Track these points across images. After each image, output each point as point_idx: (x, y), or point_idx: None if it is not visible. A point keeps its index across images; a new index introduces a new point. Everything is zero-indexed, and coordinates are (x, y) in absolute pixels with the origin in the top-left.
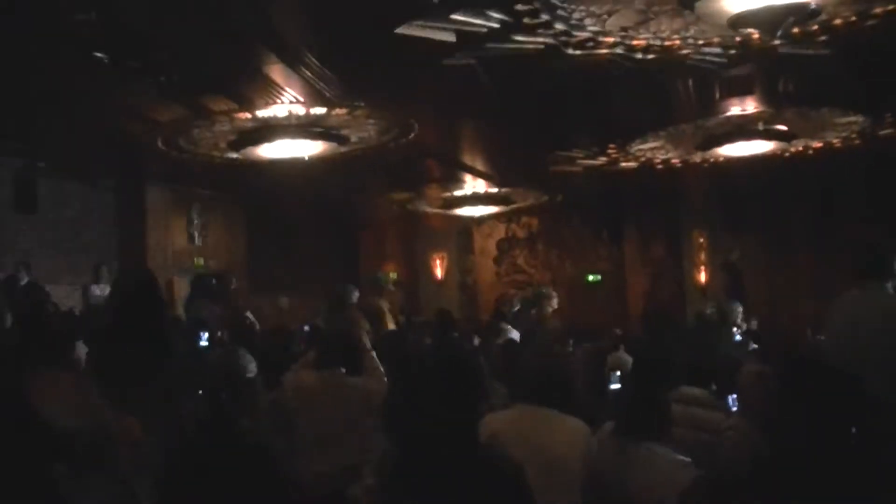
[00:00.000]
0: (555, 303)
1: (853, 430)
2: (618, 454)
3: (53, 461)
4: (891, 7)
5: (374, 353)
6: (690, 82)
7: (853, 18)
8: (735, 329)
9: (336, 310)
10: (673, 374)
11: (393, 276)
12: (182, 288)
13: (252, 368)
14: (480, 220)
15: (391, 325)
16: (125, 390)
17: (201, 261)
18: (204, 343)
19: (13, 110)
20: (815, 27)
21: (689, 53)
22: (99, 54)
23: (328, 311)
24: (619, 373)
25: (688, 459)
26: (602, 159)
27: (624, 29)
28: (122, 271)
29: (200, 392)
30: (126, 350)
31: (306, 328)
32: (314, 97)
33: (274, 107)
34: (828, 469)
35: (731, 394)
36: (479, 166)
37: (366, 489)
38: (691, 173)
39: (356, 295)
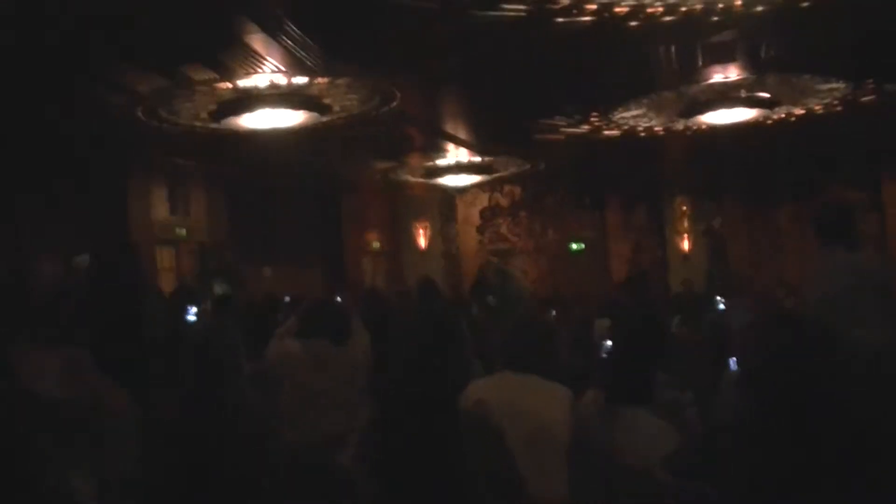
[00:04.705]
0: None
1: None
2: (604, 419)
3: (38, 432)
4: None
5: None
6: (673, 49)
7: None
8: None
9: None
10: (659, 339)
11: (376, 245)
12: (165, 259)
13: (236, 339)
14: (463, 189)
15: None
16: (111, 360)
17: (184, 231)
18: (192, 316)
19: None
20: None
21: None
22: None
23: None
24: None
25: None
26: (585, 127)
27: None
28: (103, 243)
29: (182, 363)
30: (108, 321)
31: (287, 299)
32: (295, 66)
33: (255, 76)
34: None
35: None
36: (462, 134)
37: (351, 457)
38: (674, 141)
39: None
